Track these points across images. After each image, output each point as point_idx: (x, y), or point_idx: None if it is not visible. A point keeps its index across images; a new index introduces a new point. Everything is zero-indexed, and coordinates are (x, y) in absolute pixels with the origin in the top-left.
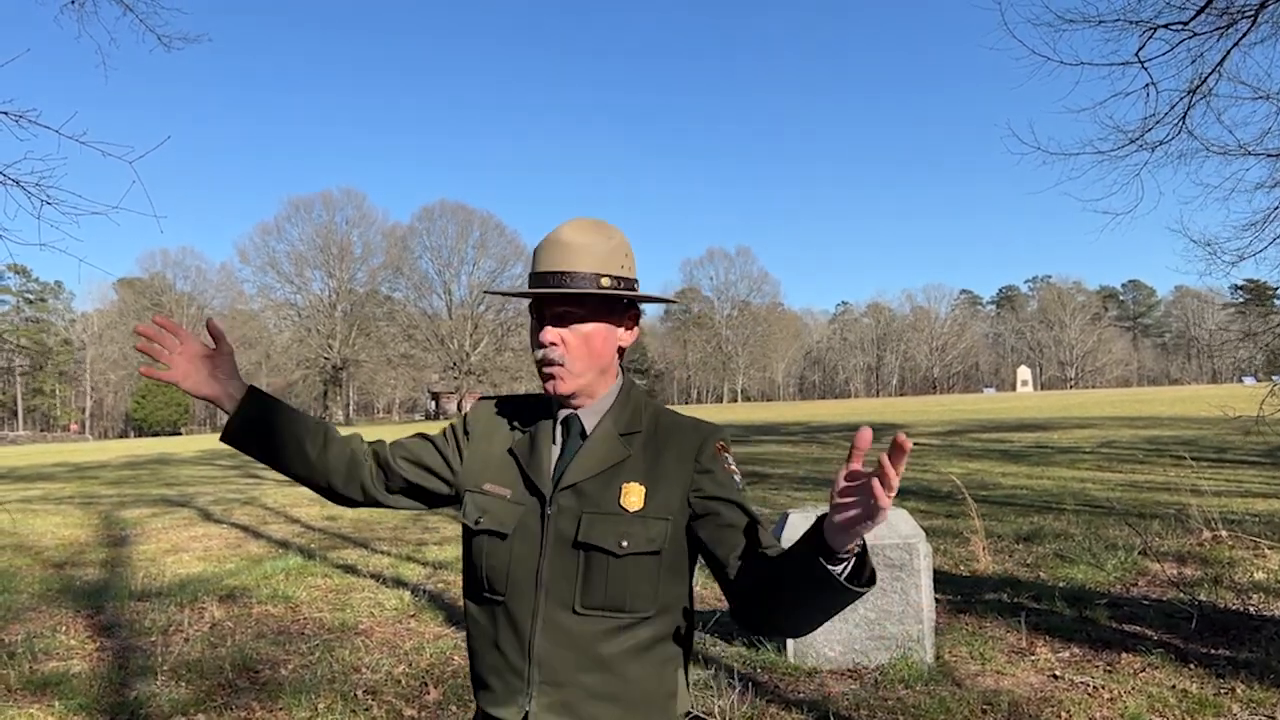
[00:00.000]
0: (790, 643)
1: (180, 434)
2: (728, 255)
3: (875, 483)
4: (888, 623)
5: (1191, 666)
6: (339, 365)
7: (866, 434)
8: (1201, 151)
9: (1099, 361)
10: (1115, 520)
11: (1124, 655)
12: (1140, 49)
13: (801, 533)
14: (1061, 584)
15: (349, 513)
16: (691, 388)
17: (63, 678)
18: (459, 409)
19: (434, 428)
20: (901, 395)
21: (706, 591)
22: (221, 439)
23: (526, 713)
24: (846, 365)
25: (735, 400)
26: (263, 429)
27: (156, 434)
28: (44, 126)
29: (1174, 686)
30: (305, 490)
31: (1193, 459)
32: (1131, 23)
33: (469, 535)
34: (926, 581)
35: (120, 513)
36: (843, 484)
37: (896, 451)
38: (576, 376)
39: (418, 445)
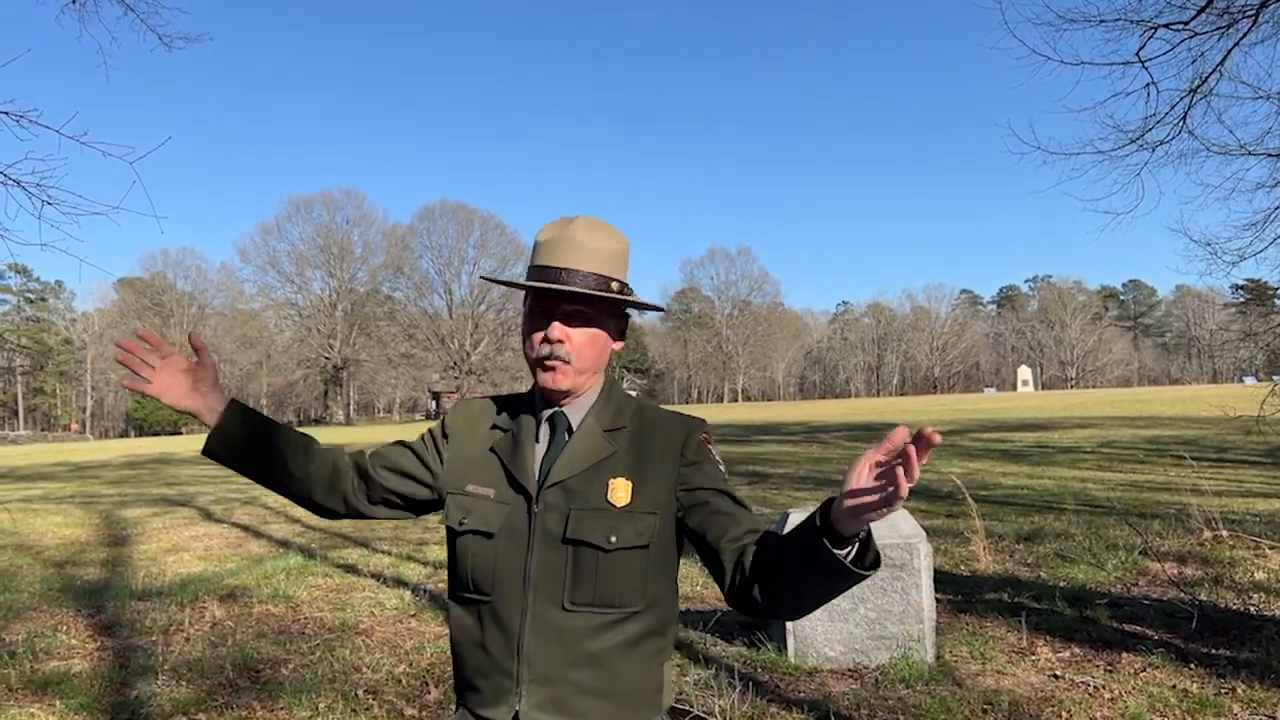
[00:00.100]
0: (791, 642)
1: (181, 434)
2: (728, 255)
3: (901, 471)
4: (888, 622)
5: (1192, 666)
6: (340, 365)
7: (902, 431)
8: (1202, 151)
9: (1100, 361)
10: (1116, 520)
11: (1125, 655)
12: (1141, 48)
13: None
14: (1062, 584)
15: None
16: (692, 387)
17: (63, 677)
18: None
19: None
20: (902, 395)
21: (707, 591)
22: (203, 452)
23: (517, 712)
24: (847, 365)
25: (735, 400)
26: (244, 442)
27: (157, 434)
28: (45, 127)
29: (1175, 686)
30: None
31: (1193, 459)
32: (1132, 22)
33: (453, 537)
34: (927, 581)
35: (121, 512)
36: (864, 472)
37: (923, 444)
38: (578, 374)
39: (396, 452)
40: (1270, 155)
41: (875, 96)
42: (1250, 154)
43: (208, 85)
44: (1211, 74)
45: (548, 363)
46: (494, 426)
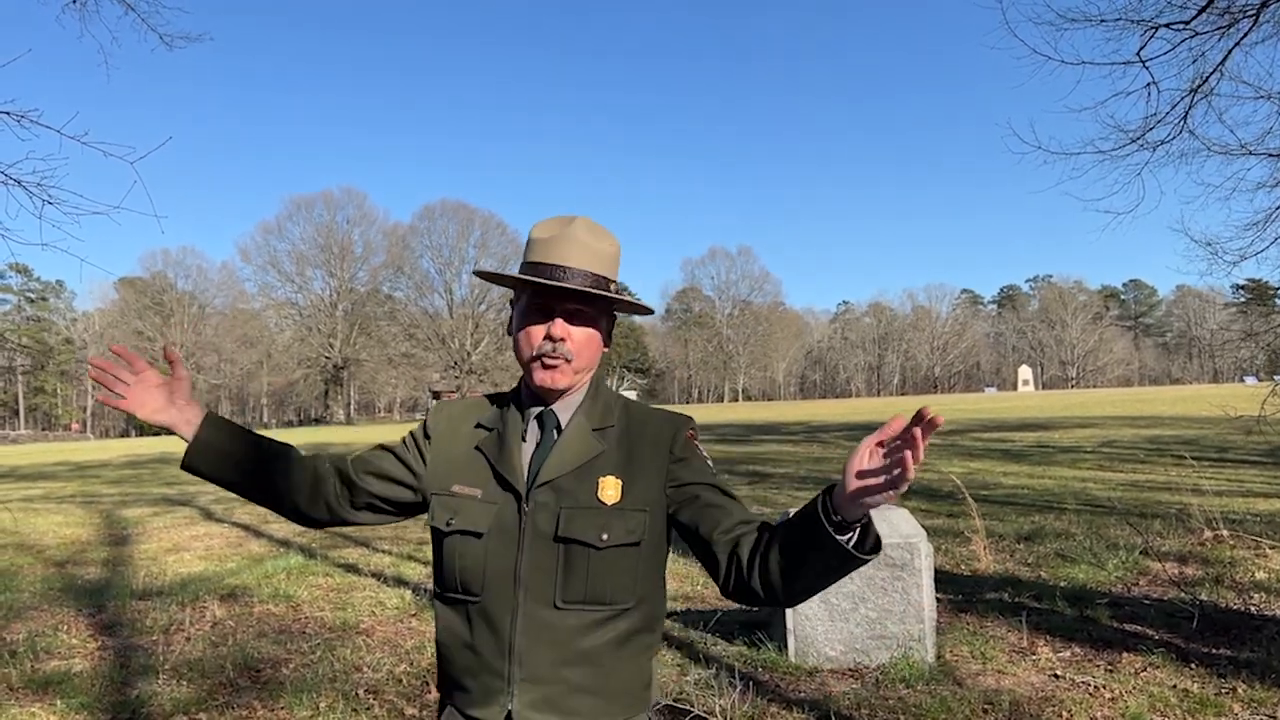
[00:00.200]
0: (791, 642)
1: None
2: (729, 254)
3: (909, 454)
4: (889, 622)
5: (1193, 666)
6: (340, 364)
7: (901, 419)
8: (1203, 151)
9: (1100, 361)
10: (1116, 520)
11: (1125, 655)
12: (1142, 48)
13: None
14: (1063, 583)
15: None
16: (692, 387)
17: (64, 676)
18: None
19: None
20: (903, 395)
21: (707, 591)
22: (182, 467)
23: (509, 711)
24: (848, 364)
25: (736, 399)
26: (222, 455)
27: (157, 433)
28: (46, 127)
29: (1175, 686)
30: None
31: (1194, 458)
32: (1133, 22)
33: (439, 537)
34: (928, 581)
35: (121, 512)
36: (866, 456)
37: (927, 426)
38: (575, 373)
39: (378, 456)
40: (1271, 155)
41: (875, 96)
42: (1251, 154)
43: (208, 85)
44: (1212, 74)
45: (549, 361)
46: (478, 425)
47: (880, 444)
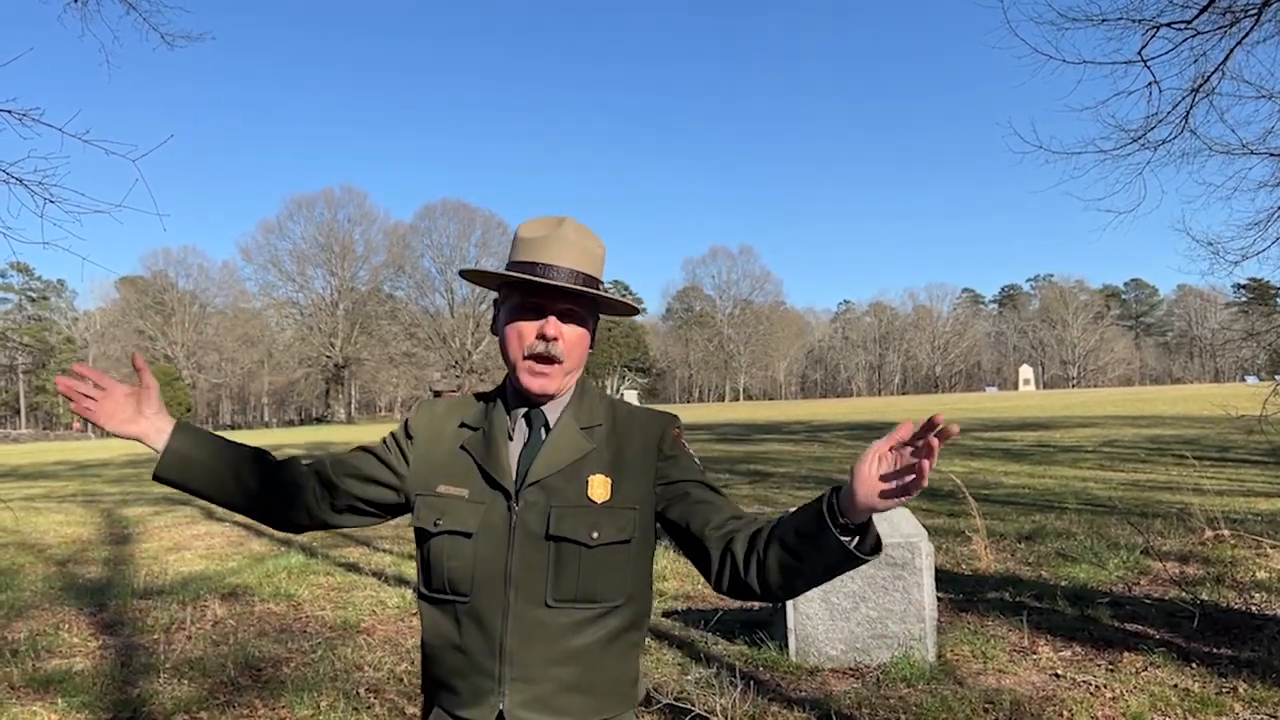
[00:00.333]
0: (792, 641)
1: None
2: (730, 254)
3: (925, 463)
4: (890, 621)
5: (1194, 665)
6: (341, 363)
7: (909, 425)
8: (1204, 150)
9: (1101, 360)
10: (1117, 519)
11: (1126, 654)
12: (1143, 48)
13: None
14: (1063, 583)
15: None
16: (693, 386)
17: (66, 675)
18: None
19: None
20: (904, 394)
21: (707, 591)
22: (153, 478)
23: (500, 711)
24: (848, 364)
25: (737, 399)
26: (194, 464)
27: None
28: (47, 125)
29: (1176, 685)
30: None
31: (1195, 458)
32: (1134, 21)
33: (425, 538)
34: (928, 580)
35: (122, 511)
36: (875, 463)
37: (942, 434)
38: (565, 375)
39: (358, 458)
40: (1273, 154)
41: (875, 96)
42: (1253, 153)
43: (209, 84)
44: (1214, 73)
45: (539, 365)
46: (462, 424)
47: (890, 449)
